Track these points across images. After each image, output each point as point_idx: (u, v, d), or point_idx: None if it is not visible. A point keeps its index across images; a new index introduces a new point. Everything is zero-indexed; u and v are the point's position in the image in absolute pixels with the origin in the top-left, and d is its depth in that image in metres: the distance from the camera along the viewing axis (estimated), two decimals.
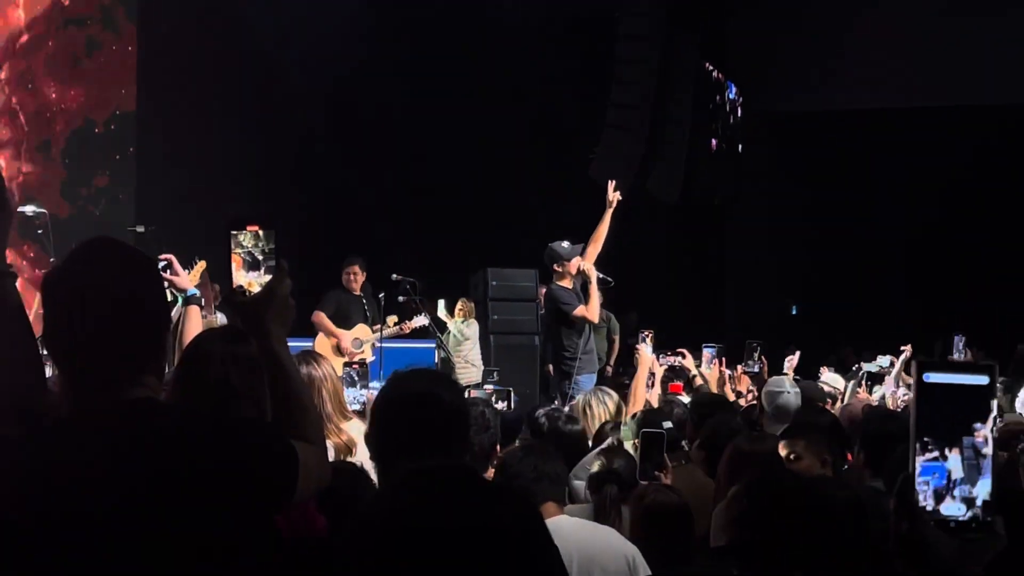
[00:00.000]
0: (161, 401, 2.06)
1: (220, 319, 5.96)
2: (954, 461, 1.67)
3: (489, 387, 6.42)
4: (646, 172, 15.11)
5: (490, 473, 3.45)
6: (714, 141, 17.82)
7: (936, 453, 1.67)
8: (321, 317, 9.22)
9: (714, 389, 7.18)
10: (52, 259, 7.70)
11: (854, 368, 9.49)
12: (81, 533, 1.81)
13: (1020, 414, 6.59)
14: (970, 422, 1.68)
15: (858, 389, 8.34)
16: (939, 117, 17.08)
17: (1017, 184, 16.99)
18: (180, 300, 3.86)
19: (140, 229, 8.19)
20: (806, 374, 9.32)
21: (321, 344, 9.03)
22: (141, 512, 1.81)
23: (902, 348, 9.01)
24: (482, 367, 9.69)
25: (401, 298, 9.48)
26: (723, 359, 8.00)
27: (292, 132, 11.45)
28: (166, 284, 3.76)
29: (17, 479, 1.86)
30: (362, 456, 3.38)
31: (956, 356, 6.90)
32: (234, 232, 2.15)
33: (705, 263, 18.55)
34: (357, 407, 4.25)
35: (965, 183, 17.06)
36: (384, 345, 9.24)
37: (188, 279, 3.99)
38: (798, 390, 5.97)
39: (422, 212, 12.39)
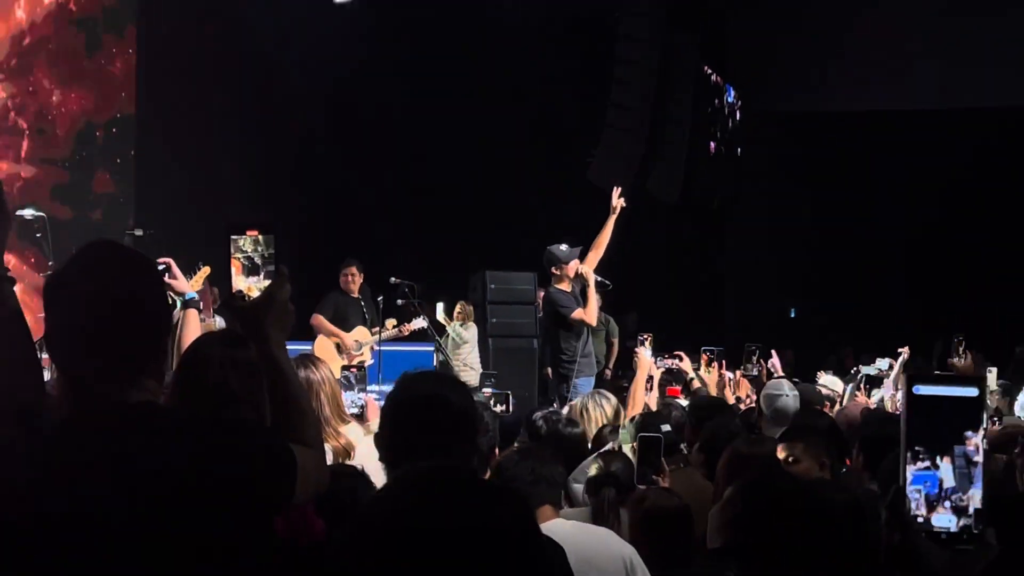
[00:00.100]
0: (160, 404, 2.07)
1: (219, 323, 5.97)
2: (946, 470, 1.68)
3: (487, 390, 6.41)
4: (646, 172, 15.11)
5: (487, 476, 3.46)
6: (713, 145, 17.81)
7: (928, 462, 1.68)
8: (319, 320, 9.22)
9: (714, 392, 7.17)
10: (51, 263, 7.67)
11: (852, 371, 9.48)
12: (80, 535, 1.81)
13: (1019, 417, 6.60)
14: (960, 432, 1.68)
15: (856, 392, 8.33)
16: (939, 117, 17.06)
17: (1017, 185, 16.96)
18: (179, 304, 3.87)
19: (138, 233, 8.19)
20: (805, 376, 9.32)
21: (322, 345, 9.03)
22: (140, 514, 1.81)
23: (900, 350, 8.99)
24: (480, 370, 9.67)
25: (400, 301, 9.48)
26: (723, 362, 8.00)
27: (292, 133, 11.45)
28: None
29: (17, 481, 1.86)
30: (360, 459, 3.39)
31: (956, 360, 6.89)
32: (234, 236, 2.15)
33: (705, 264, 18.55)
34: (355, 410, 4.25)
35: (965, 184, 17.03)
36: (382, 348, 9.24)
37: (186, 283, 4.00)
38: (796, 393, 5.97)
39: (422, 213, 12.39)
